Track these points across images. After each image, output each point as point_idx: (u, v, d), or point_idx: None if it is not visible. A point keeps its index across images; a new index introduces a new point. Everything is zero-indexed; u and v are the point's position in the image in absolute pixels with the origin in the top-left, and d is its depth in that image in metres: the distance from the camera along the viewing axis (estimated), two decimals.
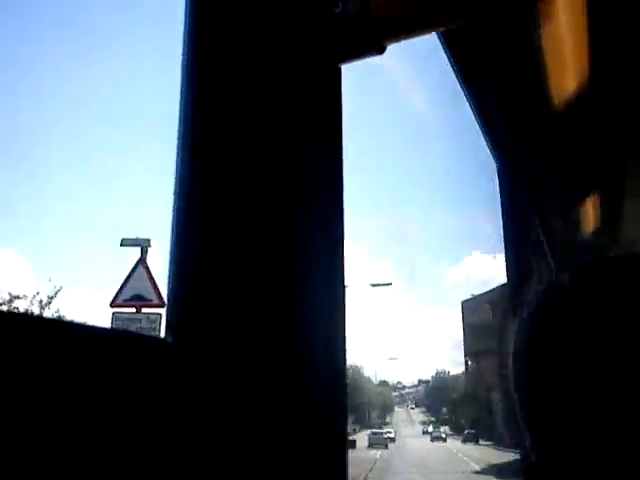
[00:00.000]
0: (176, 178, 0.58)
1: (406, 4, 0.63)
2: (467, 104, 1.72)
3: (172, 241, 0.57)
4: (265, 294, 0.58)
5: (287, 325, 0.60)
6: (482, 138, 1.94)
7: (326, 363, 0.65)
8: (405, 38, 0.67)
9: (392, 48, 0.70)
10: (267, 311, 0.58)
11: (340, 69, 0.71)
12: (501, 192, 2.15)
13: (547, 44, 1.39)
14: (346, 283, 0.68)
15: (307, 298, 0.63)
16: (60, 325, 0.45)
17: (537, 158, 2.05)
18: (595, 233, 2.60)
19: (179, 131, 0.61)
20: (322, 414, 0.60)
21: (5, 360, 0.38)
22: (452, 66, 1.52)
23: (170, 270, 0.56)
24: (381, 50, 0.66)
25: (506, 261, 2.21)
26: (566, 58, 1.47)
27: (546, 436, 0.54)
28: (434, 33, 1.39)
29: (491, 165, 2.11)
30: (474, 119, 1.81)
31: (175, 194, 0.57)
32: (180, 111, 0.63)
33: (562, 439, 0.53)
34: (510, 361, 0.59)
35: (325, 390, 0.60)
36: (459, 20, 0.71)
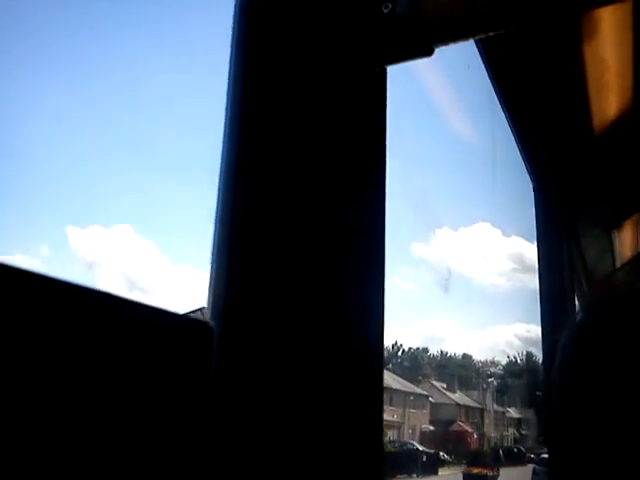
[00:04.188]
0: (222, 163, 0.58)
1: (456, 6, 0.62)
2: (506, 122, 1.69)
3: (216, 225, 0.57)
4: (307, 280, 0.57)
5: (330, 310, 0.58)
6: (519, 157, 1.90)
7: (364, 353, 0.63)
8: (453, 41, 0.65)
9: (430, 58, 0.69)
10: (309, 297, 0.57)
11: (386, 70, 0.70)
12: (537, 212, 2.09)
13: (590, 62, 1.35)
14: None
15: (349, 285, 0.61)
16: (101, 296, 0.44)
17: (577, 179, 1.99)
18: (633, 260, 2.49)
19: (225, 127, 0.61)
20: (358, 394, 0.58)
21: (46, 331, 0.38)
22: (492, 82, 1.49)
23: (214, 254, 0.56)
24: (429, 52, 0.65)
25: (540, 280, 2.14)
26: (610, 77, 1.42)
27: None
28: (476, 49, 1.38)
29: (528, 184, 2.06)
30: (512, 137, 1.77)
31: (221, 177, 0.57)
32: (227, 110, 0.63)
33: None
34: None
35: (362, 372, 0.58)
36: (506, 26, 0.69)
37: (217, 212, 0.59)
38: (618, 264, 2.51)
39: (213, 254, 0.56)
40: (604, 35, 1.30)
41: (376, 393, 0.60)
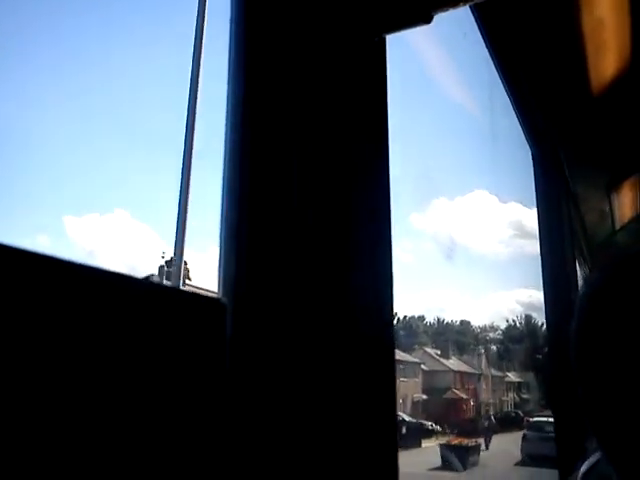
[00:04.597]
0: (226, 140, 0.57)
1: None
2: (503, 91, 1.67)
3: (223, 202, 0.57)
4: (316, 257, 0.57)
5: (339, 286, 0.58)
6: (518, 125, 1.88)
7: (375, 333, 0.63)
8: (453, 6, 0.64)
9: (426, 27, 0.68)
10: (319, 274, 0.57)
11: (385, 40, 0.69)
12: (536, 177, 2.09)
13: (587, 22, 1.33)
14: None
15: (357, 261, 0.62)
16: (111, 276, 0.44)
17: (574, 143, 1.98)
18: (632, 221, 2.49)
19: (227, 106, 0.60)
20: (371, 367, 0.59)
21: (55, 310, 0.38)
22: (489, 50, 1.47)
23: (222, 229, 0.56)
24: (428, 19, 0.64)
25: (540, 245, 2.15)
26: (607, 35, 1.40)
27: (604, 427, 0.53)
28: (472, 15, 1.35)
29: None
30: (510, 105, 1.75)
31: (225, 156, 0.56)
32: (228, 88, 0.62)
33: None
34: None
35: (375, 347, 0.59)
36: None
37: (223, 191, 0.59)
38: (618, 226, 2.51)
39: (221, 233, 0.56)
40: None
41: (389, 372, 0.61)
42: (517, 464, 18.49)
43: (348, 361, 0.58)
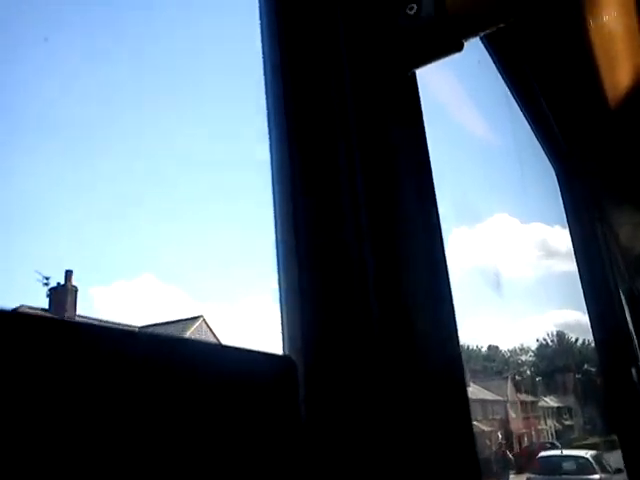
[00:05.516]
0: (273, 182, 0.55)
1: None
2: (521, 115, 1.66)
3: (279, 257, 0.54)
4: (380, 304, 0.54)
5: (403, 331, 0.55)
6: (540, 148, 1.85)
7: (443, 367, 0.59)
8: (483, 31, 0.63)
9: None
10: (384, 322, 0.54)
11: (415, 73, 0.67)
12: (563, 197, 2.04)
13: (597, 36, 1.32)
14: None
15: (419, 303, 0.58)
16: (183, 342, 0.42)
17: (597, 158, 1.94)
18: None
19: (270, 149, 0.59)
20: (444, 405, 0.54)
21: (129, 384, 0.35)
22: (502, 76, 1.47)
23: (281, 285, 0.53)
24: (459, 47, 0.62)
25: (578, 266, 2.08)
26: (619, 48, 1.39)
27: None
28: (483, 46, 1.36)
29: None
30: (529, 129, 1.73)
31: (275, 204, 0.54)
32: (269, 127, 0.61)
33: None
34: None
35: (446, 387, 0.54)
36: (528, 10, 0.67)
37: (278, 249, 0.56)
38: None
39: (281, 290, 0.53)
40: (608, 6, 1.27)
41: (463, 403, 0.56)
42: None
43: (422, 408, 0.54)
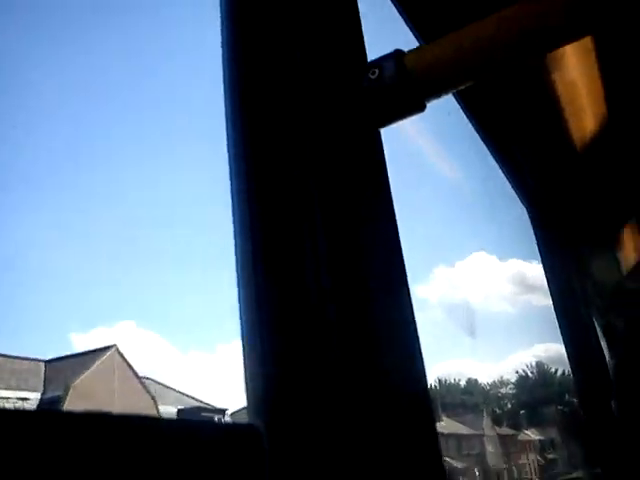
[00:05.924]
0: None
1: (443, 59, 0.62)
2: (492, 160, 1.70)
3: (242, 321, 0.54)
4: (342, 362, 0.53)
5: (372, 379, 0.54)
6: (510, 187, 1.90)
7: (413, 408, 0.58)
8: (445, 92, 0.65)
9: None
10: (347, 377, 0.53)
11: (380, 133, 0.69)
12: (536, 236, 2.08)
13: (562, 89, 1.37)
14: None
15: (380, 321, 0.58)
16: (142, 421, 0.40)
17: (567, 199, 1.99)
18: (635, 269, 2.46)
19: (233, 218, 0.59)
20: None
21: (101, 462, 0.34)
22: (473, 124, 1.51)
23: (245, 348, 0.52)
24: (422, 107, 0.64)
25: (553, 300, 2.10)
26: (581, 100, 1.44)
27: None
28: (452, 96, 1.40)
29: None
30: (500, 172, 1.77)
31: (237, 261, 0.54)
32: (232, 191, 0.61)
33: None
34: None
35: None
36: (492, 70, 0.69)
37: (240, 302, 0.56)
38: (625, 272, 2.48)
39: (244, 353, 0.52)
40: (570, 62, 1.33)
41: (432, 439, 0.55)
42: None
43: (394, 462, 0.53)
